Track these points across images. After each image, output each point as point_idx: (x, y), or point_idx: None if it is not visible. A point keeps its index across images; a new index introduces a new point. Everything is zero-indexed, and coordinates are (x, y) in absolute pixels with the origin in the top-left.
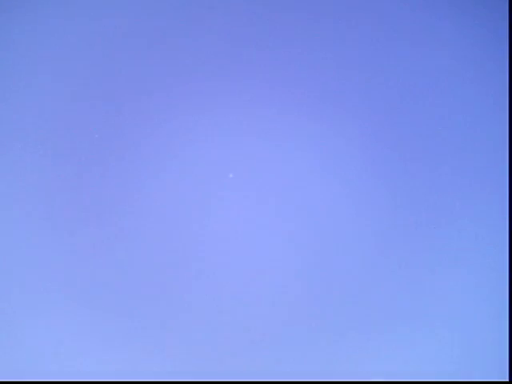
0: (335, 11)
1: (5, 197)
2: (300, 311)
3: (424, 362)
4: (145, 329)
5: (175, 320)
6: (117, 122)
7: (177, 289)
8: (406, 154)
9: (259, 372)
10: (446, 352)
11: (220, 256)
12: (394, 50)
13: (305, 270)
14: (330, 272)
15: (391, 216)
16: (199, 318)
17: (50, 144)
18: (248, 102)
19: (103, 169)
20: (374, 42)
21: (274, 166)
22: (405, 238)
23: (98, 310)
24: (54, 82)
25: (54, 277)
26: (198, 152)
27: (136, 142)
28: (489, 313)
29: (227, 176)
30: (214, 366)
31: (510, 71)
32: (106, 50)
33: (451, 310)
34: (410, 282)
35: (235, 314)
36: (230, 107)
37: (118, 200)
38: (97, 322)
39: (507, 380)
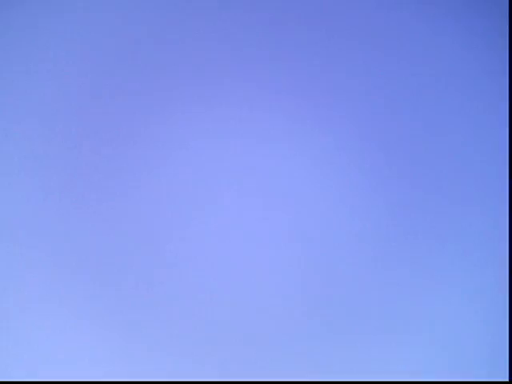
0: (335, 12)
1: (5, 197)
2: (300, 312)
3: (424, 362)
4: (145, 329)
5: (175, 320)
6: (117, 122)
7: (176, 289)
8: (407, 154)
9: (259, 372)
10: (446, 352)
11: (220, 256)
12: (394, 51)
13: (305, 270)
14: (330, 272)
15: (391, 218)
16: (199, 318)
17: (49, 144)
18: (247, 101)
19: (103, 169)
20: (374, 43)
21: (274, 165)
22: (405, 239)
23: (98, 309)
24: (55, 82)
25: (53, 277)
26: (198, 152)
27: (135, 142)
28: (489, 313)
29: (227, 177)
30: (213, 366)
31: (510, 72)
32: (107, 51)
33: (451, 310)
34: (410, 282)
35: (235, 315)
36: (229, 107)
37: (118, 200)
38: (97, 322)
39: (507, 380)
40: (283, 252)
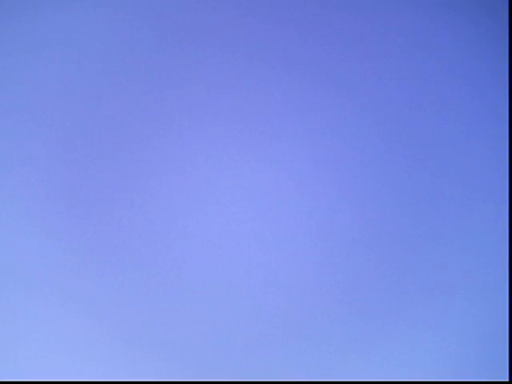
0: (335, 13)
1: (5, 197)
2: (300, 312)
3: (424, 362)
4: (145, 329)
5: (175, 320)
6: (117, 122)
7: (176, 289)
8: (406, 154)
9: (259, 372)
10: (446, 352)
11: (220, 257)
12: (394, 51)
13: (305, 270)
14: (330, 273)
15: (391, 218)
16: (198, 318)
17: (50, 145)
18: (247, 100)
19: (103, 170)
20: (374, 44)
21: (275, 165)
22: (405, 239)
23: (98, 310)
24: (55, 83)
25: (53, 277)
26: (198, 152)
27: (136, 142)
28: (489, 313)
29: (227, 177)
30: (213, 366)
31: (510, 73)
32: (107, 51)
33: (451, 310)
34: (410, 282)
35: (234, 315)
36: (229, 107)
37: (118, 201)
38: (96, 322)
39: (507, 380)
40: (283, 252)
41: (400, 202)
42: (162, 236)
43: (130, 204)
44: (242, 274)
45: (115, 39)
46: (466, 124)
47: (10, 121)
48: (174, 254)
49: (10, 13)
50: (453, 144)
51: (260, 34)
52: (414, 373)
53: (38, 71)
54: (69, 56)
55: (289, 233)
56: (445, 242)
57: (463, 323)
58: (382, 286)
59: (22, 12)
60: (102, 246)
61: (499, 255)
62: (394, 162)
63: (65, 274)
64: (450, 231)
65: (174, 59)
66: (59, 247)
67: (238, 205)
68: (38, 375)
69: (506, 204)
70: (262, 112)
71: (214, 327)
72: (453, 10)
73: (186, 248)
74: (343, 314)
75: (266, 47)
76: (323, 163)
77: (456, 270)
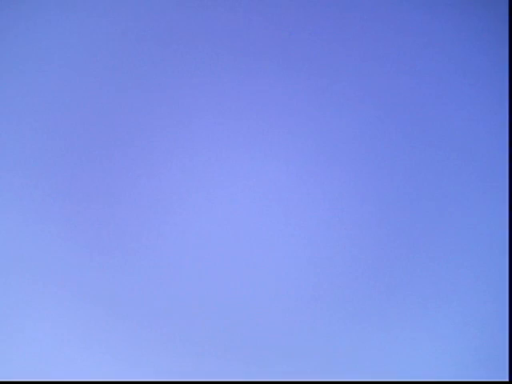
0: (334, 12)
1: (5, 198)
2: (300, 312)
3: (424, 362)
4: (145, 328)
5: (175, 320)
6: (117, 122)
7: (176, 289)
8: (406, 154)
9: (259, 372)
10: (446, 352)
11: (219, 257)
12: (394, 51)
13: (305, 270)
14: (330, 273)
15: (391, 218)
16: (198, 318)
17: (50, 146)
18: (247, 99)
19: (103, 170)
20: (374, 44)
21: (275, 166)
22: (405, 239)
23: (98, 309)
24: (55, 83)
25: (54, 278)
26: (198, 152)
27: (135, 141)
28: (489, 313)
29: (228, 177)
30: (213, 366)
31: (510, 72)
32: (107, 51)
33: (451, 311)
34: (410, 282)
35: (234, 315)
36: (229, 107)
37: (118, 201)
38: (96, 322)
39: (507, 380)
40: (283, 252)
41: (400, 203)
42: (164, 234)
43: (133, 201)
44: (243, 274)
45: (115, 39)
46: (465, 124)
47: (11, 121)
48: (175, 253)
49: (10, 12)
50: (453, 144)
51: (260, 34)
52: (414, 373)
53: (38, 71)
54: (69, 56)
55: (289, 233)
56: (445, 242)
57: (463, 323)
58: (382, 285)
59: (22, 12)
60: (103, 244)
61: (499, 255)
62: (395, 161)
63: (65, 274)
64: (450, 231)
65: (175, 57)
66: (60, 245)
67: (238, 205)
68: (37, 375)
69: (505, 204)
70: (262, 111)
71: (214, 327)
72: (453, 8)
73: (187, 247)
74: (343, 314)
75: (267, 45)
76: (323, 163)
77: (456, 269)
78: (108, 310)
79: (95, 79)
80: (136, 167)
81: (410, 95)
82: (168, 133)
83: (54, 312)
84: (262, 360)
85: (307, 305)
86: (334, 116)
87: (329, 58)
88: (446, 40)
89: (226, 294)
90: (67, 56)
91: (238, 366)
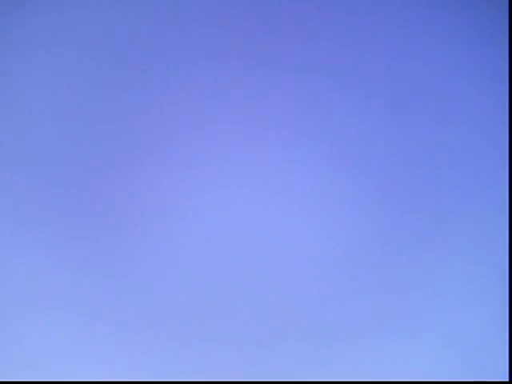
0: (334, 11)
1: (6, 198)
2: (301, 313)
3: (424, 362)
4: (145, 329)
5: (175, 320)
6: (117, 122)
7: (176, 289)
8: (406, 154)
9: (259, 372)
10: (446, 352)
11: (219, 257)
12: (393, 50)
13: (305, 271)
14: (331, 273)
15: (392, 218)
16: (198, 318)
17: (49, 144)
18: (247, 99)
19: (103, 170)
20: (374, 43)
21: (275, 165)
22: (406, 239)
23: (97, 309)
24: (56, 84)
25: (54, 277)
26: (198, 152)
27: (136, 141)
28: (489, 313)
29: (228, 177)
30: (213, 366)
31: (510, 72)
32: (107, 52)
33: (451, 311)
34: (410, 282)
35: (234, 314)
36: (229, 106)
37: (117, 202)
38: (96, 322)
39: (507, 380)
40: (285, 255)
41: (401, 202)
42: (165, 236)
43: (134, 202)
44: (243, 274)
45: (116, 38)
46: (465, 123)
47: (10, 121)
48: (176, 254)
49: (9, 12)
50: (453, 144)
51: (262, 33)
52: (414, 373)
53: (37, 71)
54: (69, 56)
55: (289, 233)
56: (446, 242)
57: (463, 323)
58: (382, 285)
59: (22, 12)
60: (102, 246)
61: (499, 255)
62: (395, 161)
63: (65, 274)
64: (450, 231)
65: (176, 56)
66: (59, 248)
67: (239, 204)
68: (37, 375)
69: (506, 204)
70: (263, 110)
71: (215, 326)
72: (453, 7)
73: (188, 247)
74: (344, 314)
75: (269, 45)
76: (324, 163)
77: (456, 269)
78: (108, 310)
79: (95, 79)
80: (136, 169)
81: (410, 95)
82: (169, 133)
83: (54, 312)
84: (263, 360)
85: (308, 306)
86: (335, 116)
87: (330, 57)
88: (446, 39)
89: (227, 295)
90: (67, 56)
91: (239, 366)
